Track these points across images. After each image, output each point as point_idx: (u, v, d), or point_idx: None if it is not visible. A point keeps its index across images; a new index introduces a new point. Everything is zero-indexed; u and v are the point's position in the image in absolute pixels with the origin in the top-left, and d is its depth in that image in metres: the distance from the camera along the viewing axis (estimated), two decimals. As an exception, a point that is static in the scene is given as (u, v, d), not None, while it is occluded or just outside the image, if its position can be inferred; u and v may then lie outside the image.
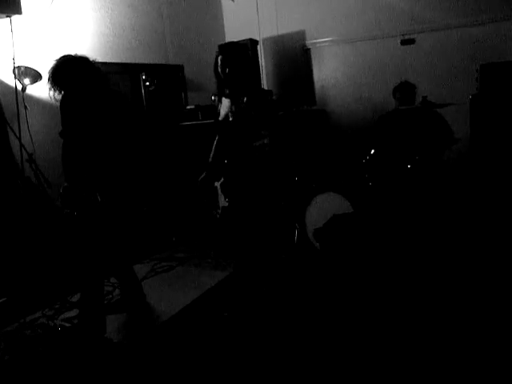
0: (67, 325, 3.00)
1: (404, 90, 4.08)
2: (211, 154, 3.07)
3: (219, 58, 2.85)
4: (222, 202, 3.02)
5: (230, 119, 2.90)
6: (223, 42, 5.93)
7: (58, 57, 2.68)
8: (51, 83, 2.63)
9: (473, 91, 4.15)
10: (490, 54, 4.67)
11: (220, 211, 3.05)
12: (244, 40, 5.35)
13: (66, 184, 2.63)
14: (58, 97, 2.65)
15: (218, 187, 3.04)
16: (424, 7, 5.08)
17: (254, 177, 2.89)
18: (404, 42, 5.22)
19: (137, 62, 4.89)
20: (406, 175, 3.77)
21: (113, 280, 3.51)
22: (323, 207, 3.62)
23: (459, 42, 4.99)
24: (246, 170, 2.87)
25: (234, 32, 6.15)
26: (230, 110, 2.89)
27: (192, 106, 5.16)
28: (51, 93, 2.65)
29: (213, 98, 5.10)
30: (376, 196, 3.69)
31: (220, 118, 3.00)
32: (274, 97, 5.48)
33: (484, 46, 4.82)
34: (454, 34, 5.01)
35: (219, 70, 2.84)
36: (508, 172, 3.86)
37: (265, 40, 5.95)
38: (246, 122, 2.83)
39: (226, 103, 2.94)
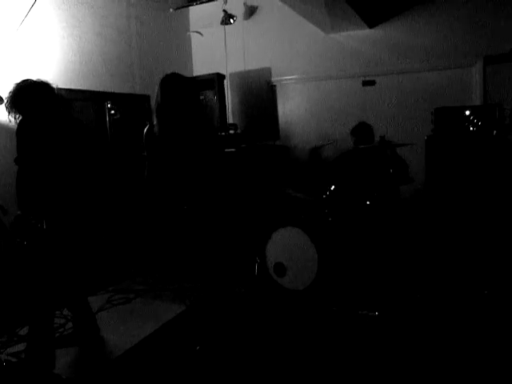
0: (13, 359, 2.84)
1: (362, 131, 4.26)
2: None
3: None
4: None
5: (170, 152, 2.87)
6: (191, 75, 6.07)
7: (18, 80, 2.65)
8: (9, 106, 2.59)
9: (428, 132, 4.36)
10: (444, 99, 4.96)
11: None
12: (211, 74, 5.47)
13: (18, 212, 2.56)
14: (17, 120, 2.61)
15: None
16: (385, 51, 5.37)
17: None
18: (365, 83, 5.46)
19: (103, 90, 4.89)
20: (365, 211, 3.88)
21: (66, 312, 3.38)
22: (284, 241, 3.65)
23: (416, 85, 5.27)
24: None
25: (202, 65, 6.28)
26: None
27: (157, 136, 5.16)
28: (9, 116, 2.60)
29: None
30: (336, 231, 3.76)
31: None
32: (238, 130, 5.57)
33: (439, 90, 5.12)
34: (412, 78, 5.30)
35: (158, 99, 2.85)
36: (460, 207, 4.05)
37: (231, 75, 6.09)
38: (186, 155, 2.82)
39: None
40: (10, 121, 2.60)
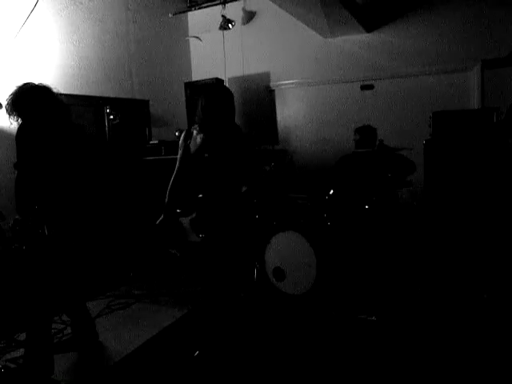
0: (12, 365, 2.83)
1: (367, 132, 4.25)
2: (167, 194, 3.00)
3: (202, 96, 2.86)
4: (193, 238, 2.94)
5: (206, 155, 2.88)
6: (190, 80, 6.09)
7: (19, 83, 2.64)
8: (9, 110, 2.57)
9: (426, 136, 4.36)
10: (442, 103, 4.97)
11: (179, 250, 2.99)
12: (210, 79, 5.49)
13: (17, 217, 2.55)
14: (18, 122, 2.60)
15: (186, 224, 2.98)
16: (383, 56, 5.39)
17: (232, 211, 2.87)
18: (364, 88, 5.48)
19: (102, 95, 4.90)
20: (363, 215, 3.88)
21: (64, 317, 3.37)
22: (283, 246, 3.65)
23: (415, 89, 5.29)
24: (224, 205, 2.85)
25: (201, 71, 6.29)
26: (203, 145, 2.87)
27: (155, 141, 5.17)
28: (10, 119, 2.59)
29: (177, 133, 5.13)
30: (334, 235, 3.76)
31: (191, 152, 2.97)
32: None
33: (437, 94, 5.14)
34: (410, 82, 5.32)
35: (200, 107, 2.85)
36: (459, 211, 4.05)
37: (230, 79, 6.10)
38: (223, 159, 2.83)
39: (198, 139, 2.92)
40: (12, 123, 2.58)
